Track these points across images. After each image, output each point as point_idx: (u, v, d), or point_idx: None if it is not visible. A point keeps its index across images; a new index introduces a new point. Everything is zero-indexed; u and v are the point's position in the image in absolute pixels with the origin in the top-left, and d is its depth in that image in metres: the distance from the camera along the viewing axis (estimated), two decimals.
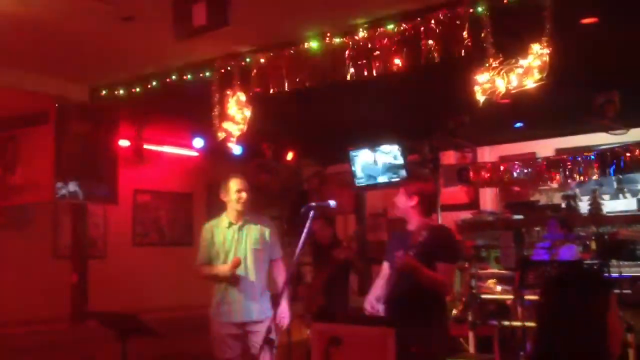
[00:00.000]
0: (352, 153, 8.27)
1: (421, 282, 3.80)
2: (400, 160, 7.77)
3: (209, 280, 4.94)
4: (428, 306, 3.88)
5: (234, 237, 4.88)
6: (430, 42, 4.24)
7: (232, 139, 5.23)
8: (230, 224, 4.91)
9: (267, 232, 4.98)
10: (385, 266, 4.16)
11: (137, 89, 5.84)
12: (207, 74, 5.33)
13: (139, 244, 8.14)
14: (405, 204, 4.05)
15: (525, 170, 7.44)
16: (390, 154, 7.93)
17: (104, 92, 6.15)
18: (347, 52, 4.63)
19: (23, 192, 6.24)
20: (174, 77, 5.55)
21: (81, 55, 5.37)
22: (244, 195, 4.84)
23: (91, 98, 6.24)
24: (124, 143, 7.05)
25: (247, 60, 5.12)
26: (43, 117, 6.06)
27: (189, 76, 5.46)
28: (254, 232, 4.92)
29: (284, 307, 4.82)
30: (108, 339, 4.56)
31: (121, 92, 5.99)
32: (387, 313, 3.89)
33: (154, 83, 5.69)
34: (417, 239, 3.96)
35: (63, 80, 5.99)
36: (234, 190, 4.83)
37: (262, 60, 5.05)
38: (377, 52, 4.50)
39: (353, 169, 8.22)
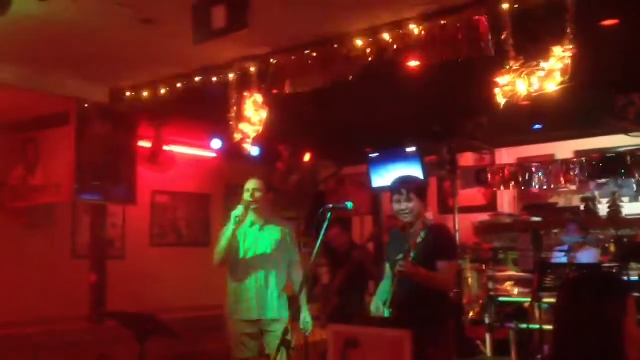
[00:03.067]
0: (370, 155, 8.27)
1: (423, 284, 3.82)
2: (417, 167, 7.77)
3: (223, 246, 4.88)
4: (434, 307, 3.88)
5: (255, 236, 4.93)
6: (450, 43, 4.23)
7: (247, 140, 5.25)
8: (253, 223, 4.98)
9: (287, 235, 5.04)
10: (387, 267, 4.17)
11: (157, 91, 5.88)
12: (226, 75, 5.36)
13: (157, 245, 8.19)
14: (405, 204, 4.06)
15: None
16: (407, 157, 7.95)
17: (124, 94, 6.20)
18: (367, 54, 4.63)
19: (43, 192, 6.31)
20: (193, 79, 5.58)
21: (102, 57, 5.41)
22: (257, 195, 4.87)
23: (111, 100, 6.29)
24: (143, 144, 7.09)
25: (266, 62, 5.14)
26: (64, 118, 6.13)
27: (207, 78, 5.49)
28: (275, 234, 4.99)
29: (306, 313, 4.92)
30: (126, 339, 4.58)
31: (141, 94, 6.03)
32: (393, 317, 3.90)
33: (173, 85, 5.73)
34: (415, 240, 3.97)
35: (84, 82, 6.04)
36: (247, 190, 4.88)
37: (280, 62, 5.07)
38: (398, 53, 4.50)
39: (371, 170, 8.22)
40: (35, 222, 6.83)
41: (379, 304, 4.00)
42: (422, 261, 3.84)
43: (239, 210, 4.79)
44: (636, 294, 5.38)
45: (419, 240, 3.93)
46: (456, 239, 5.83)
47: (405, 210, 4.03)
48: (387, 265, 4.18)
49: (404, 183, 4.17)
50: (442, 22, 4.28)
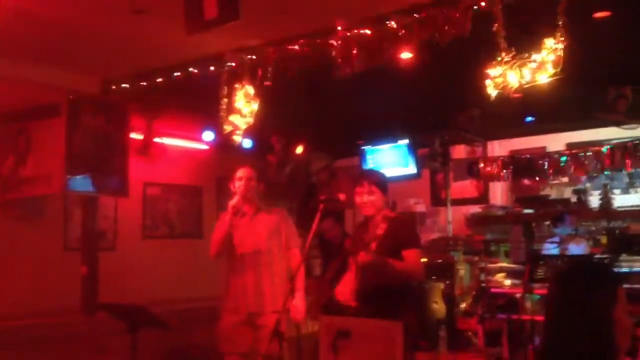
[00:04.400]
0: (363, 147, 8.28)
1: (390, 274, 3.84)
2: (408, 157, 7.78)
3: (219, 238, 4.82)
4: (400, 297, 3.91)
5: (248, 225, 4.85)
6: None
7: (238, 132, 5.23)
8: (244, 213, 4.88)
9: (280, 221, 4.92)
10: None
11: (148, 82, 5.86)
12: (217, 67, 5.34)
13: (149, 237, 8.17)
14: (367, 197, 4.10)
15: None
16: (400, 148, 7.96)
17: (115, 85, 6.17)
18: (355, 45, 4.62)
19: (34, 184, 6.27)
20: (185, 70, 5.55)
21: (93, 49, 5.38)
22: (248, 184, 4.76)
23: (103, 91, 6.26)
24: (135, 136, 7.07)
25: (257, 53, 5.12)
26: (55, 109, 6.09)
27: (199, 69, 5.47)
28: (266, 222, 4.86)
29: (299, 301, 4.75)
30: (118, 330, 4.58)
31: (132, 85, 6.00)
32: (360, 308, 3.92)
33: (165, 76, 5.71)
34: (377, 232, 4.01)
35: (75, 73, 6.01)
36: (236, 178, 4.78)
37: (271, 53, 5.05)
38: (386, 44, 4.50)
39: (363, 162, 8.23)
40: (26, 214, 6.79)
41: (346, 294, 4.05)
42: (387, 253, 3.87)
43: (235, 200, 4.68)
44: (627, 286, 5.43)
45: (379, 231, 3.97)
46: (417, 228, 5.84)
47: (367, 202, 4.09)
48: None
49: (366, 176, 4.24)
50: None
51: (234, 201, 4.67)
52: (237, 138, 5.26)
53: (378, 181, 4.18)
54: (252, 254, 4.79)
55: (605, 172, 7.25)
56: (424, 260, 5.52)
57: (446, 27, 4.16)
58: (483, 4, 4.07)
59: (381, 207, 4.12)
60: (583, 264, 3.13)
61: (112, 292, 6.21)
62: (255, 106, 5.16)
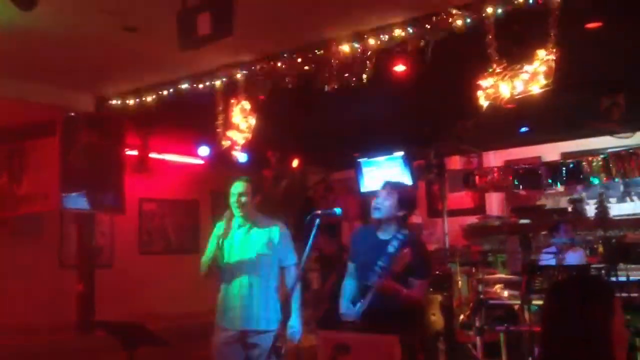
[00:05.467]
0: (358, 160, 8.29)
1: (399, 298, 3.84)
2: (404, 169, 7.79)
3: (209, 257, 4.80)
4: (403, 312, 3.90)
5: (242, 239, 4.80)
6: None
7: (236, 147, 5.24)
8: (240, 226, 4.81)
9: (276, 236, 4.84)
10: (352, 267, 4.16)
11: (143, 99, 5.87)
12: (212, 82, 5.35)
13: (146, 252, 8.16)
14: (388, 207, 4.02)
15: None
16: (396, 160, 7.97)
17: (110, 102, 6.18)
18: (350, 59, 4.64)
19: (30, 202, 6.27)
20: (179, 86, 5.57)
21: (87, 66, 5.40)
22: (243, 199, 4.69)
23: (97, 108, 6.26)
24: (130, 152, 7.06)
25: (251, 68, 5.14)
26: (50, 127, 6.10)
27: (194, 85, 5.48)
28: (263, 236, 4.71)
29: (296, 320, 4.58)
30: (115, 348, 4.54)
31: (127, 102, 6.02)
32: (361, 323, 3.90)
33: (160, 92, 5.73)
34: (387, 249, 3.93)
35: (69, 91, 6.03)
36: (233, 194, 4.72)
37: (265, 68, 5.07)
38: (381, 58, 4.52)
39: (358, 175, 8.24)
40: (22, 231, 6.78)
41: (349, 305, 4.01)
42: (398, 276, 3.84)
43: (222, 224, 4.59)
44: (624, 295, 5.43)
45: (391, 249, 3.93)
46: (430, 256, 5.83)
47: (379, 204, 4.00)
48: (352, 265, 4.16)
49: (393, 184, 4.17)
50: (427, 27, 4.30)
51: (219, 226, 4.59)
52: (236, 153, 5.26)
53: (402, 192, 4.10)
54: (245, 268, 4.69)
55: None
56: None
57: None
58: (475, 15, 4.09)
59: (390, 218, 4.03)
60: (579, 275, 3.13)
61: (109, 309, 6.18)
62: (252, 121, 5.17)
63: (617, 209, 7.69)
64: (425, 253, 4.17)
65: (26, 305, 6.42)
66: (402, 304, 3.89)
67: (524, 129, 7.60)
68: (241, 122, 5.19)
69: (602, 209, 7.57)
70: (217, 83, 5.30)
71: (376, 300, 3.90)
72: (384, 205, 3.99)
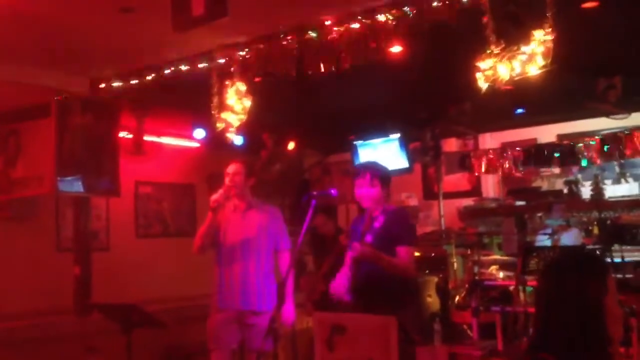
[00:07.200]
0: (354, 142, 8.27)
1: (383, 267, 3.84)
2: (400, 151, 7.78)
3: (201, 232, 4.79)
4: (396, 291, 3.89)
5: (237, 222, 4.81)
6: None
7: (231, 129, 5.21)
8: (235, 208, 4.84)
9: (271, 220, 4.88)
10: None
11: (138, 81, 5.83)
12: (207, 64, 5.32)
13: (142, 236, 8.15)
14: (368, 189, 4.08)
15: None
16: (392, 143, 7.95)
17: (104, 84, 6.14)
18: (345, 40, 4.61)
19: (25, 185, 6.24)
20: (174, 68, 5.53)
21: (81, 48, 5.35)
22: (237, 179, 4.68)
23: (92, 90, 6.22)
24: (125, 135, 7.03)
25: (247, 49, 5.11)
26: (44, 110, 6.05)
27: (189, 67, 5.45)
28: (257, 219, 4.81)
29: (290, 305, 4.68)
30: (112, 330, 4.56)
31: (122, 83, 5.98)
32: (354, 302, 3.91)
33: (154, 74, 5.69)
34: (374, 224, 3.99)
35: (64, 73, 5.98)
36: (227, 174, 4.74)
37: (261, 49, 5.04)
38: (376, 38, 4.50)
39: (355, 157, 8.22)
40: (18, 215, 6.76)
41: (340, 288, 4.05)
42: (382, 246, 3.86)
43: (217, 194, 4.61)
44: (619, 276, 5.46)
45: (377, 224, 3.96)
46: (415, 224, 5.86)
47: (366, 195, 4.07)
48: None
49: (368, 168, 4.21)
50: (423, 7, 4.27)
51: (215, 195, 4.62)
52: (231, 135, 5.24)
53: (380, 174, 4.15)
54: (241, 250, 4.73)
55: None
56: (417, 254, 5.53)
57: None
58: None
59: (380, 200, 4.09)
60: (573, 254, 3.15)
61: (106, 292, 6.19)
62: (247, 103, 5.15)
63: (612, 191, 7.71)
64: (406, 220, 4.21)
65: (23, 288, 6.42)
66: (393, 279, 3.89)
67: (519, 111, 7.59)
68: (236, 104, 5.15)
69: (597, 191, 7.59)
70: (212, 64, 5.27)
71: (362, 272, 3.91)
72: (370, 193, 4.05)
